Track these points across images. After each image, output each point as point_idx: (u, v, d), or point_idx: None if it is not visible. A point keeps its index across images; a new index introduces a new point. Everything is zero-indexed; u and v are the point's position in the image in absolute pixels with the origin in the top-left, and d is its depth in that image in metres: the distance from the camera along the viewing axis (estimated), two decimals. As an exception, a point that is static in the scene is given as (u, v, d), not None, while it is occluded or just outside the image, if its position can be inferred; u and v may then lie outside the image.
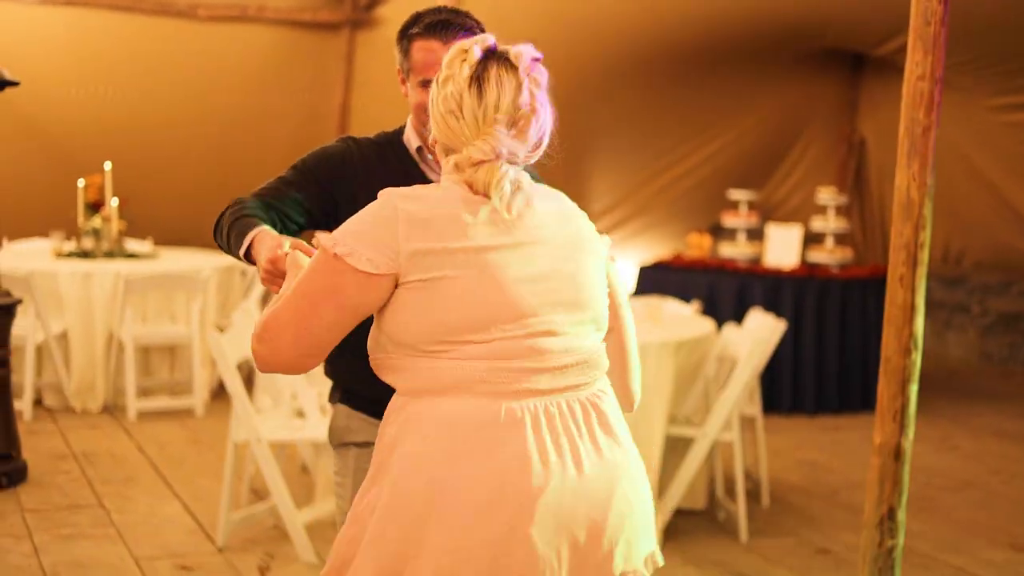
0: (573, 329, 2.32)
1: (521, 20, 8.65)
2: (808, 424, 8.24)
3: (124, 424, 7.51)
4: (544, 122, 2.36)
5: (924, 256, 3.76)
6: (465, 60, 2.33)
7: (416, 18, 2.93)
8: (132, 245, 8.56)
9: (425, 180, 2.91)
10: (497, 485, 2.17)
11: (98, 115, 9.62)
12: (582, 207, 2.51)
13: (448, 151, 2.36)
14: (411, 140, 2.97)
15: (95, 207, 8.38)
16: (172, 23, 9.47)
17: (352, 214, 2.36)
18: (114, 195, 8.33)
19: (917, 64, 3.70)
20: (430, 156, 2.91)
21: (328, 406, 3.61)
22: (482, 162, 2.29)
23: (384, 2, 9.54)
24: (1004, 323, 10.67)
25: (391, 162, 2.97)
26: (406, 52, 2.91)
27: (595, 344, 2.39)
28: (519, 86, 2.33)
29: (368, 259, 2.20)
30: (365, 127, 8.96)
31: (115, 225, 8.32)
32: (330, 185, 2.92)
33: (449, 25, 2.89)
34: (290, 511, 5.05)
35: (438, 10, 2.94)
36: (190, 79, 9.69)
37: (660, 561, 2.45)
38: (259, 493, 5.85)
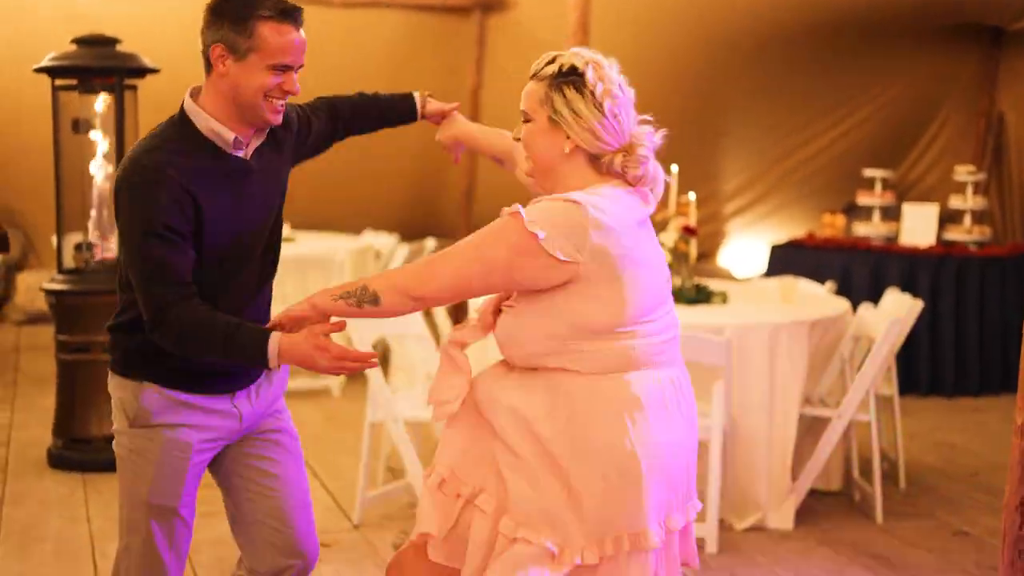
0: None
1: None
2: (947, 405, 8.09)
3: (263, 404, 7.67)
4: None
5: (1067, 233, 3.67)
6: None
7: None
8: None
9: (248, 169, 3.06)
10: None
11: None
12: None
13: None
14: (220, 131, 3.02)
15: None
16: (308, 10, 9.58)
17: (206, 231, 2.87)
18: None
19: (1060, 36, 3.61)
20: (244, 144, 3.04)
21: None
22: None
23: (514, -16, 9.57)
24: None
25: (222, 170, 3.02)
26: (249, 33, 2.96)
27: None
28: None
29: None
30: (496, 110, 9.07)
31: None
32: (191, 219, 2.93)
33: (299, 11, 3.07)
34: (426, 489, 5.10)
35: None
36: (323, 65, 9.79)
37: None
38: (395, 472, 5.93)
